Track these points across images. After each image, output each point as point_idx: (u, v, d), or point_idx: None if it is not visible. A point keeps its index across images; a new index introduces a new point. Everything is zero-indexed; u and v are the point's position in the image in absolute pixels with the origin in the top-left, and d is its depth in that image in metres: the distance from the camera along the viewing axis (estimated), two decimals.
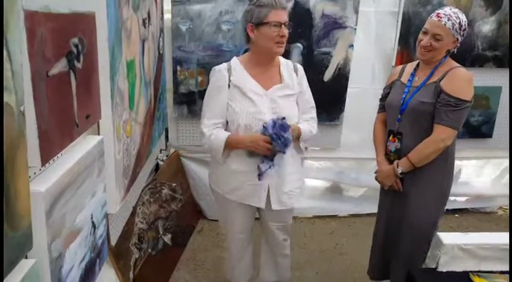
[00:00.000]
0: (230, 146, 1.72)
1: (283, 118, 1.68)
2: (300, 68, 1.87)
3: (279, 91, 1.76)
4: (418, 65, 1.89)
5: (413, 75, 1.87)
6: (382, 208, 2.10)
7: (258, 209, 1.92)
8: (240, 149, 1.73)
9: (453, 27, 1.69)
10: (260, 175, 1.71)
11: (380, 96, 2.06)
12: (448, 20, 1.69)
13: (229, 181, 1.81)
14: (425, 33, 1.75)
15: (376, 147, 2.01)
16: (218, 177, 1.87)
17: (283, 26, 1.65)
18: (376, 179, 1.97)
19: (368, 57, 2.85)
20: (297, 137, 1.77)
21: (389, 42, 2.81)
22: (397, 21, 2.75)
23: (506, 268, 1.28)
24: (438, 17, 1.71)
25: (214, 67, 1.80)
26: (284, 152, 1.68)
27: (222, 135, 1.71)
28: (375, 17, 2.78)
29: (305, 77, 1.87)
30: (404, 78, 1.90)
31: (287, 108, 1.76)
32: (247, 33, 1.70)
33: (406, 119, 1.82)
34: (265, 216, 1.95)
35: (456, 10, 1.74)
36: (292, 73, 1.82)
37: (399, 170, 1.81)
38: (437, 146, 1.73)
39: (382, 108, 2.01)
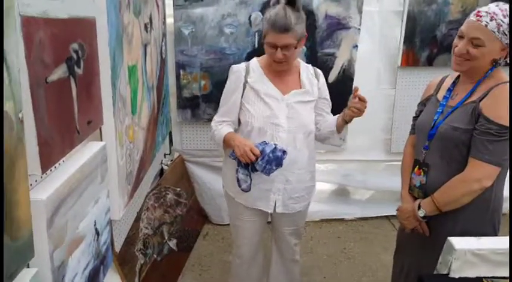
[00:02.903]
0: (226, 143, 1.71)
1: (285, 152, 1.61)
2: (321, 73, 1.83)
3: (297, 96, 1.72)
4: (458, 77, 1.50)
5: (450, 90, 1.49)
6: (400, 252, 1.75)
7: (270, 213, 1.90)
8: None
9: (499, 29, 1.29)
10: (238, 181, 1.69)
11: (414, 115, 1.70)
12: (491, 20, 1.30)
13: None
14: (460, 37, 1.37)
15: (402, 178, 1.63)
16: (229, 180, 1.85)
17: (279, 49, 1.58)
18: (398, 217, 1.62)
19: (373, 57, 2.82)
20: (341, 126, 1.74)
21: (394, 42, 2.78)
22: (402, 21, 2.72)
23: None
24: (478, 16, 1.32)
25: (233, 66, 1.80)
26: (256, 171, 1.63)
27: (223, 131, 1.72)
28: (379, 16, 2.75)
29: (324, 81, 1.84)
30: (440, 95, 1.52)
31: (303, 114, 1.72)
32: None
33: (434, 148, 1.46)
34: (277, 221, 1.92)
35: (506, 6, 1.32)
36: (312, 78, 1.77)
37: (421, 214, 1.46)
38: (469, 188, 1.36)
39: (414, 129, 1.65)
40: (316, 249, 2.78)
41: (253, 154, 1.57)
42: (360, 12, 2.65)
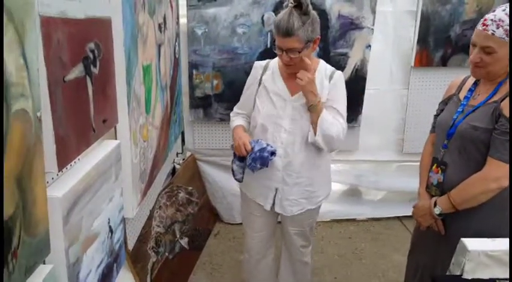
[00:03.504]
0: (233, 134, 1.81)
1: (273, 153, 1.66)
2: (337, 75, 1.74)
3: (303, 99, 1.69)
4: None
5: (472, 90, 1.49)
6: (415, 252, 1.74)
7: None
8: None
9: (507, 34, 1.30)
10: (233, 171, 1.78)
11: (435, 113, 1.69)
12: (498, 28, 1.31)
13: (247, 176, 1.81)
14: (474, 45, 1.39)
15: (420, 175, 1.64)
16: None
17: (284, 52, 1.59)
18: (413, 214, 1.62)
19: (386, 57, 2.80)
20: (316, 118, 1.64)
21: (407, 42, 2.75)
22: (416, 21, 2.68)
23: None
24: (484, 25, 1.34)
25: (256, 62, 1.86)
26: (244, 167, 1.72)
27: (235, 123, 1.85)
28: (393, 16, 2.72)
29: (340, 85, 1.74)
30: (462, 94, 1.53)
31: (306, 117, 1.68)
32: None
33: (453, 146, 1.46)
34: (283, 220, 1.93)
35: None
36: (324, 80, 1.72)
37: (437, 211, 1.47)
38: (487, 186, 1.35)
39: (434, 127, 1.65)
40: (327, 249, 2.77)
41: (246, 150, 1.66)
42: (373, 12, 2.63)
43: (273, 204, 1.82)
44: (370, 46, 2.70)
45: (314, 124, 1.66)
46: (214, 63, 2.68)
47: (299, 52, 1.58)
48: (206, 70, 2.70)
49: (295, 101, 1.70)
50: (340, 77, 1.76)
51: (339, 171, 3.07)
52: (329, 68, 1.77)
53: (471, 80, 1.54)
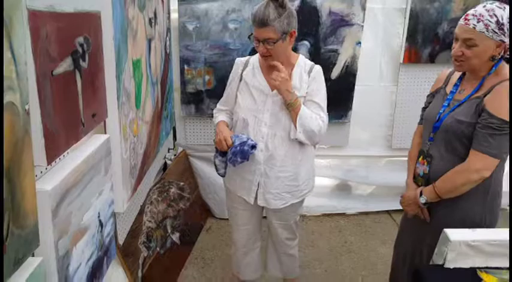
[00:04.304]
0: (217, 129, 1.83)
1: (253, 147, 1.69)
2: (316, 69, 1.77)
3: None
4: (465, 73, 1.55)
5: (457, 85, 1.54)
6: (401, 239, 1.81)
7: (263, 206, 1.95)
8: None
9: (487, 28, 1.35)
10: (215, 166, 1.81)
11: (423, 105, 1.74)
12: (478, 22, 1.36)
13: (228, 171, 1.84)
14: (456, 40, 1.45)
15: (408, 166, 1.70)
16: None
17: (261, 43, 1.63)
18: (401, 203, 1.69)
19: (375, 54, 2.83)
20: (295, 115, 1.67)
21: (397, 39, 2.78)
22: (405, 18, 2.71)
23: None
24: (465, 19, 1.40)
25: (237, 58, 1.89)
26: (226, 162, 1.75)
27: (217, 119, 1.88)
28: (382, 13, 2.75)
29: (319, 79, 1.76)
30: (449, 88, 1.58)
31: (287, 111, 1.70)
32: None
33: (438, 139, 1.52)
34: (268, 214, 1.97)
35: (493, 6, 1.38)
36: (304, 75, 1.75)
37: (422, 200, 1.53)
38: (469, 177, 1.42)
39: (422, 119, 1.70)
40: (317, 242, 2.80)
41: (227, 144, 1.69)
42: (364, 9, 2.65)
43: (256, 197, 1.84)
44: (360, 43, 2.72)
45: (294, 121, 1.69)
46: (205, 59, 2.68)
47: (274, 43, 1.62)
48: (198, 65, 2.70)
49: (276, 95, 1.72)
50: (319, 70, 1.79)
51: (329, 166, 3.11)
52: (308, 63, 1.80)
53: (457, 74, 1.58)
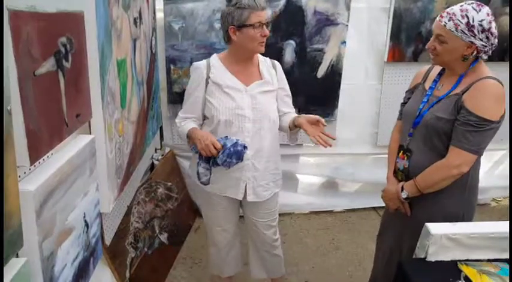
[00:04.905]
0: (190, 139, 1.75)
1: (245, 147, 1.68)
2: (278, 64, 1.90)
3: (258, 87, 1.79)
4: (444, 69, 1.58)
5: (436, 81, 1.58)
6: (383, 233, 1.85)
7: (241, 205, 1.97)
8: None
9: (457, 28, 1.38)
10: (198, 174, 1.75)
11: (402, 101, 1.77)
12: (449, 20, 1.39)
13: (214, 172, 1.81)
14: (433, 34, 1.50)
15: (388, 161, 1.73)
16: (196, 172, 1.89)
17: (264, 26, 1.67)
18: (382, 198, 1.73)
19: (360, 53, 2.86)
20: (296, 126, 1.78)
21: (381, 38, 2.82)
22: (389, 18, 2.75)
23: (493, 256, 1.29)
24: (441, 16, 1.44)
25: (194, 63, 1.84)
26: (217, 165, 1.68)
27: (186, 127, 1.78)
28: (367, 13, 2.78)
29: (282, 73, 1.90)
30: (428, 84, 1.61)
31: (266, 104, 1.80)
32: (228, 34, 1.72)
33: (418, 135, 1.55)
34: (247, 212, 1.98)
35: (468, 7, 1.40)
36: (270, 70, 1.85)
37: (403, 195, 1.56)
38: (449, 173, 1.45)
39: (401, 115, 1.73)
40: (305, 240, 2.83)
41: (215, 148, 1.63)
42: (348, 8, 2.68)
43: (245, 194, 1.85)
44: (345, 42, 2.75)
45: (291, 131, 1.82)
46: (192, 59, 2.67)
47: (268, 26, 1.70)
48: (184, 65, 2.69)
49: (251, 90, 1.77)
50: (279, 65, 1.91)
51: (316, 164, 3.14)
52: (267, 59, 1.87)
53: (436, 70, 1.62)
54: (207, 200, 1.95)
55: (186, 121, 1.82)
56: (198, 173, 1.75)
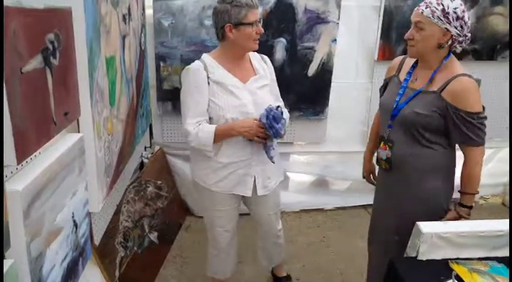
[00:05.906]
0: (220, 136, 1.72)
1: (278, 107, 1.72)
2: (267, 57, 1.95)
3: (256, 82, 1.82)
4: (417, 61, 1.65)
5: (410, 74, 1.65)
6: (373, 233, 1.97)
7: (246, 202, 1.98)
8: (230, 139, 1.76)
9: (433, 14, 1.47)
10: (269, 153, 1.78)
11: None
12: (426, 8, 1.49)
13: (217, 173, 1.82)
14: (412, 23, 1.57)
15: (368, 141, 1.97)
16: (203, 171, 1.87)
17: (259, 24, 1.72)
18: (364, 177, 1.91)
19: (351, 51, 2.86)
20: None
21: (371, 36, 2.83)
22: (379, 16, 2.76)
23: (484, 255, 1.31)
24: (418, 6, 1.54)
25: (188, 67, 1.77)
26: (276, 138, 1.73)
27: (209, 128, 1.71)
28: (357, 11, 2.79)
29: (272, 68, 1.94)
30: (402, 76, 1.68)
31: (265, 98, 1.82)
32: (223, 31, 1.71)
33: (397, 126, 1.64)
34: (256, 207, 2.00)
35: None
36: (262, 64, 1.90)
37: (466, 211, 1.62)
38: (480, 167, 1.61)
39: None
40: (296, 238, 2.83)
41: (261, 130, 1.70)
42: (339, 6, 2.68)
43: (254, 189, 1.87)
44: (335, 40, 2.76)
45: None
46: (182, 56, 2.65)
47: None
48: (174, 62, 2.67)
49: (250, 86, 1.79)
50: (268, 58, 1.96)
51: (307, 163, 3.14)
52: (255, 53, 1.89)
53: (409, 62, 1.69)
54: (210, 200, 1.91)
55: (203, 124, 1.73)
56: (271, 157, 1.78)
